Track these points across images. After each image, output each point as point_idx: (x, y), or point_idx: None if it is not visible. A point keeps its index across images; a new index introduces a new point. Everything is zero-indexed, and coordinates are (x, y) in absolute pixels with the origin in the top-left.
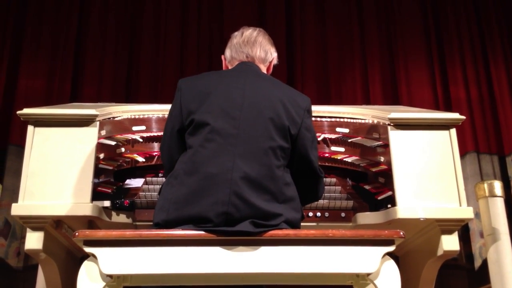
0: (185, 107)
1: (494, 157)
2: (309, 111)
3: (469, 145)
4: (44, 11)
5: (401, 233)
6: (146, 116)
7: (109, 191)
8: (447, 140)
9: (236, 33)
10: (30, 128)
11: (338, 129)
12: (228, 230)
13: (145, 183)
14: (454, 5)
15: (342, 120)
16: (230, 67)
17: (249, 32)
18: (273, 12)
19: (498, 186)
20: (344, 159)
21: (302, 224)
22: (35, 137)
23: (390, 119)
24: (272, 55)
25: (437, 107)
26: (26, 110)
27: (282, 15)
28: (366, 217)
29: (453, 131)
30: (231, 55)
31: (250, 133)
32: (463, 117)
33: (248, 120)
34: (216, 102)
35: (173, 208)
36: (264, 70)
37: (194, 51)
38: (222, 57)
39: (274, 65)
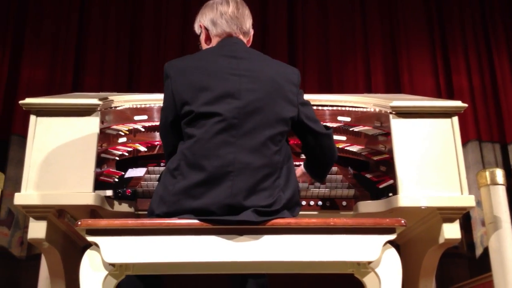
0: (178, 97)
1: (496, 145)
2: (299, 84)
3: (471, 134)
4: (46, 1)
5: (402, 221)
6: (147, 105)
7: (111, 180)
8: (449, 128)
9: (215, 1)
10: (32, 117)
11: (339, 118)
12: (231, 220)
13: (147, 172)
14: None
15: (343, 108)
16: (212, 40)
17: (235, 4)
18: (276, 1)
19: (500, 174)
20: (345, 148)
21: (303, 212)
22: (37, 126)
23: (392, 107)
24: (252, 29)
25: (439, 96)
26: (28, 100)
27: (284, 3)
28: (367, 206)
29: (455, 119)
30: (217, 29)
31: (250, 123)
32: (465, 105)
33: (247, 109)
34: (213, 91)
35: (173, 201)
36: (246, 42)
37: (195, 40)
38: (201, 25)
39: None
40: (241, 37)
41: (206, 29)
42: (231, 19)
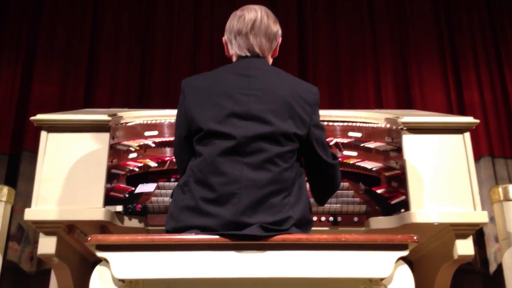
0: (190, 115)
1: (509, 161)
2: (317, 104)
3: (483, 149)
4: (58, 16)
5: (415, 237)
6: (158, 121)
7: (121, 196)
8: (461, 144)
9: (236, 15)
10: (43, 134)
11: (350, 134)
12: (237, 234)
13: (157, 188)
14: (467, 7)
15: (354, 124)
16: (234, 57)
17: (252, 19)
18: (285, 17)
19: None
20: (356, 164)
21: (314, 228)
22: (48, 142)
23: (403, 123)
24: (277, 37)
25: (451, 111)
26: (39, 116)
27: (294, 19)
28: (379, 222)
29: (467, 135)
30: (234, 50)
31: (257, 142)
32: (477, 120)
33: (256, 128)
34: (222, 110)
35: (182, 216)
36: (269, 57)
37: (207, 55)
38: (224, 40)
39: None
40: (259, 54)
41: (226, 44)
42: (244, 42)
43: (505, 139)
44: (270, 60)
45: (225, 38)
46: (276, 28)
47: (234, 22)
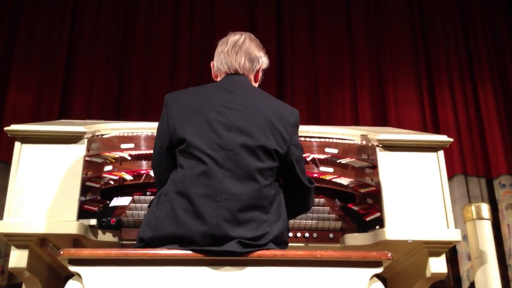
0: (173, 125)
1: (481, 180)
2: (297, 126)
3: (457, 167)
4: (35, 26)
5: (389, 254)
6: (135, 134)
7: (96, 209)
8: (435, 162)
9: (223, 39)
10: (17, 144)
11: (327, 150)
12: (215, 250)
13: (133, 201)
14: (443, 28)
15: (331, 140)
16: (218, 78)
17: (235, 39)
18: (265, 35)
19: (485, 208)
20: (332, 180)
21: (290, 244)
22: (22, 153)
23: (378, 140)
24: (260, 62)
25: (425, 129)
26: (13, 127)
27: (272, 35)
28: (354, 238)
29: (441, 153)
30: (217, 66)
31: (239, 155)
32: (451, 139)
33: (236, 142)
34: (204, 122)
35: (159, 226)
36: (252, 78)
37: (185, 68)
38: (211, 64)
39: (264, 70)
40: (240, 73)
41: (213, 66)
42: (225, 58)
43: (478, 157)
44: (253, 83)
45: (213, 61)
46: (260, 54)
47: (224, 45)
